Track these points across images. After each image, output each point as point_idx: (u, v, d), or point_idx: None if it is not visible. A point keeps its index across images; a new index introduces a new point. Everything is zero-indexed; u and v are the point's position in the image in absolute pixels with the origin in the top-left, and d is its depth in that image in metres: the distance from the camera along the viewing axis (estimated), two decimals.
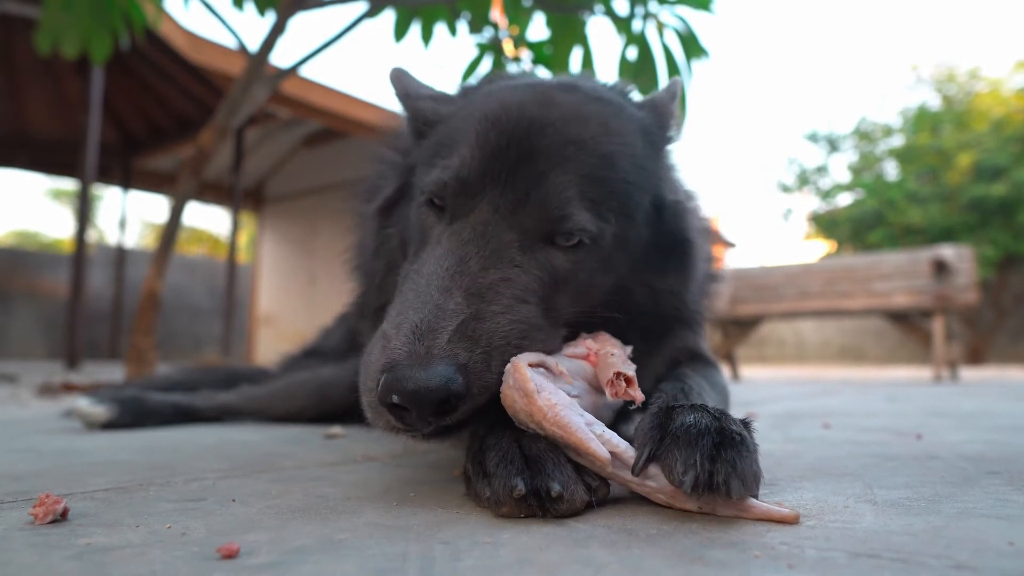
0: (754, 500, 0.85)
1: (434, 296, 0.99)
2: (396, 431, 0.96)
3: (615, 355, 1.04)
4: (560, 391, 0.94)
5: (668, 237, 1.27)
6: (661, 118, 1.34)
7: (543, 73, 3.56)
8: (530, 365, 0.95)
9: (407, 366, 0.89)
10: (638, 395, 1.00)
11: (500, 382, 0.96)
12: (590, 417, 0.94)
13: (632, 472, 0.89)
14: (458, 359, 0.92)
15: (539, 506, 0.85)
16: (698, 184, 1.50)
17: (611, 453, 0.90)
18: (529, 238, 1.10)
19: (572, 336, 1.14)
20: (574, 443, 0.89)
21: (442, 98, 1.38)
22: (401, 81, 1.42)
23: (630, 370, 1.01)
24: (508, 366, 0.95)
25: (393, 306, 1.06)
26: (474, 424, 1.01)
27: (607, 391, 1.00)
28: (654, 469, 0.88)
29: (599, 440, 0.90)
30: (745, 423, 0.94)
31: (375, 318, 1.34)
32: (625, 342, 1.14)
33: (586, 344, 1.09)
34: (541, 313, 1.07)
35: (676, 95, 1.39)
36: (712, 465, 0.83)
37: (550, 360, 1.01)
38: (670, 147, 1.37)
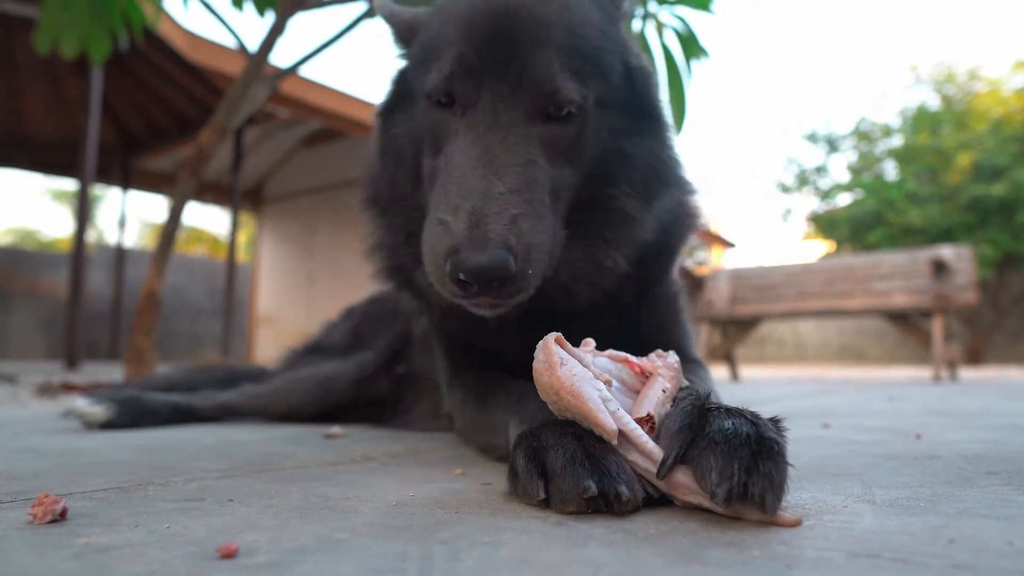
0: None
1: (475, 183, 1.14)
2: (460, 298, 1.16)
3: (665, 392, 1.00)
4: (583, 368, 0.97)
5: (638, 100, 1.40)
6: None
7: None
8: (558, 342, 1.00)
9: (471, 250, 1.07)
10: (650, 447, 0.92)
11: (531, 280, 1.14)
12: (607, 394, 0.95)
13: (658, 475, 0.88)
14: (509, 244, 1.09)
15: (606, 505, 0.87)
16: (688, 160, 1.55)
17: (635, 446, 0.90)
18: (531, 116, 1.24)
19: (577, 220, 1.30)
20: (584, 412, 0.91)
21: (419, 11, 1.53)
22: (385, 3, 1.57)
23: (661, 412, 0.97)
24: (539, 343, 1.00)
25: (436, 194, 1.21)
26: (516, 419, 1.13)
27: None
28: (682, 471, 0.87)
29: (612, 416, 0.91)
30: (778, 425, 0.91)
31: (390, 212, 1.50)
32: (615, 212, 1.33)
33: (644, 363, 1.07)
34: (552, 210, 1.23)
35: None
36: (748, 476, 0.80)
37: (586, 357, 1.02)
38: (623, 14, 1.46)
